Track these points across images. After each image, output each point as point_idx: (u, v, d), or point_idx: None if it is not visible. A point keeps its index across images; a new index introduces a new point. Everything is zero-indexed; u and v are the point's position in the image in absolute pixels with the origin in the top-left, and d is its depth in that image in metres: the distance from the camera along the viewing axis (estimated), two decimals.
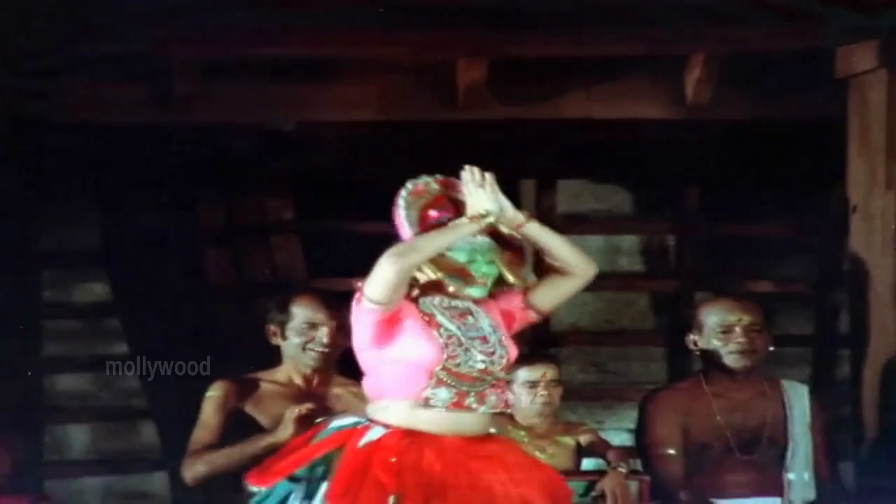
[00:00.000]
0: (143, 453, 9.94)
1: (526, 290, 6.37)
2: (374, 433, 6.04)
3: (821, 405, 7.08)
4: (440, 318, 6.22)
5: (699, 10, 7.58)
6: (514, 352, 6.25)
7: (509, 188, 6.29)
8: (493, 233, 6.26)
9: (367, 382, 6.15)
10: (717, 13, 7.66)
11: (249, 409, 7.07)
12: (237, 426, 7.00)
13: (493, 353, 6.23)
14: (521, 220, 6.19)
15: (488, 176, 6.18)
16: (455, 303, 6.27)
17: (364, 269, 6.88)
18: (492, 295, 6.29)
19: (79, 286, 10.16)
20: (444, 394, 6.13)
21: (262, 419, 7.08)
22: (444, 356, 6.10)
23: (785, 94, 8.25)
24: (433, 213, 6.23)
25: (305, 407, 6.84)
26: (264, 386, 7.15)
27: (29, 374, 9.94)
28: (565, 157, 9.19)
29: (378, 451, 6.03)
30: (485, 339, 6.25)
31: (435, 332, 6.17)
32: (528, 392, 7.31)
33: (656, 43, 7.89)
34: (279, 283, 9.40)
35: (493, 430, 6.30)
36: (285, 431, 6.83)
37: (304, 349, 7.12)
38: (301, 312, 7.17)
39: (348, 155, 9.40)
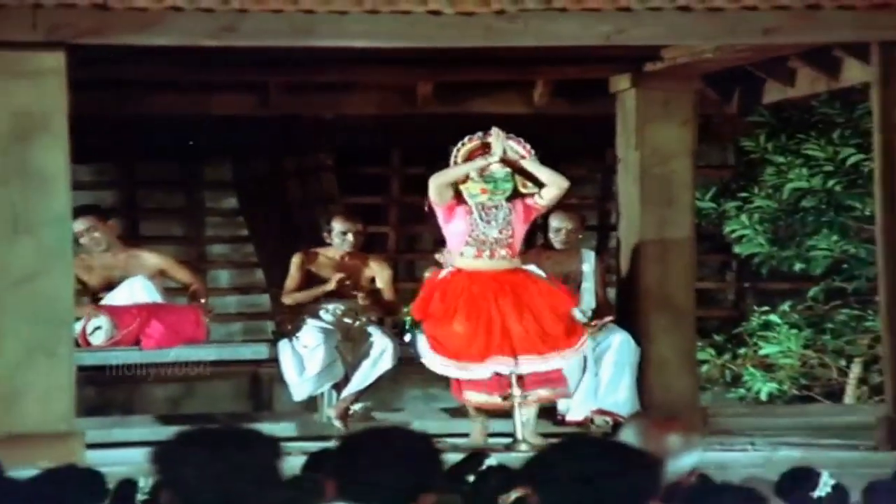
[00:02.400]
0: (257, 285, 11.43)
1: (533, 195, 8.23)
2: (445, 272, 8.33)
3: (601, 260, 9.29)
4: (475, 210, 8.19)
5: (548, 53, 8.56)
6: (520, 231, 8.18)
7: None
8: (513, 166, 8.24)
9: (448, 245, 8.38)
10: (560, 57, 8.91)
11: (314, 269, 8.87)
12: (307, 278, 8.84)
13: (502, 231, 8.21)
14: (519, 157, 8.24)
15: (500, 133, 8.20)
16: (490, 203, 8.21)
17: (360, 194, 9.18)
18: (520, 196, 8.24)
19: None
20: (469, 251, 8.25)
21: (320, 275, 8.86)
22: (470, 229, 8.16)
23: (594, 101, 9.55)
24: (478, 154, 8.21)
25: (339, 276, 8.68)
26: (321, 258, 8.85)
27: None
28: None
29: (442, 281, 8.26)
30: (500, 223, 8.14)
31: (468, 217, 8.19)
32: (555, 233, 8.87)
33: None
34: (325, 200, 10.93)
35: (524, 266, 8.26)
36: (330, 285, 8.69)
37: (341, 243, 8.82)
38: (337, 225, 8.82)
39: (361, 132, 10.78)
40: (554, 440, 4.33)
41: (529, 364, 8.03)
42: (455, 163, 8.24)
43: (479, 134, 8.29)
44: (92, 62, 7.72)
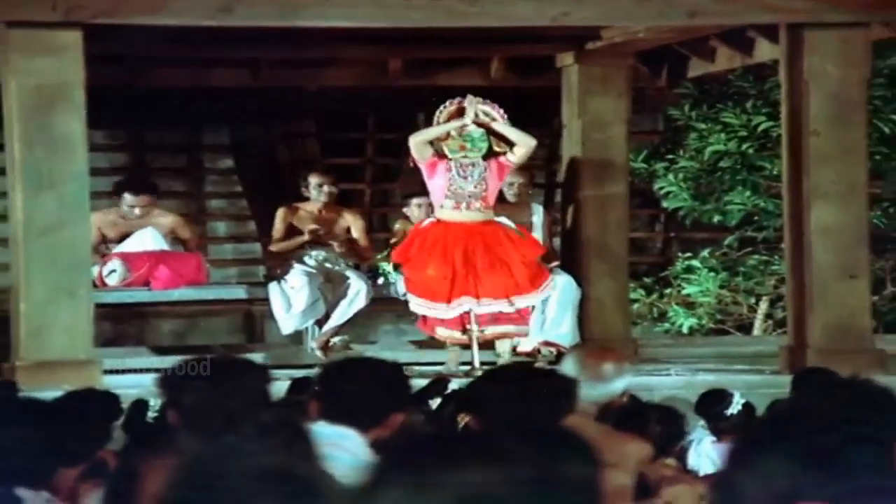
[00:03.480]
0: (250, 235, 11.34)
1: (506, 153, 8.14)
2: (427, 222, 8.24)
3: (548, 213, 9.28)
4: (453, 167, 8.09)
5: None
6: (494, 186, 8.11)
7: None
8: (486, 127, 8.13)
9: (431, 197, 8.28)
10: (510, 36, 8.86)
11: (295, 221, 8.85)
12: (290, 229, 8.84)
13: (476, 186, 8.13)
14: (490, 121, 8.16)
15: (474, 98, 8.14)
16: (467, 160, 8.11)
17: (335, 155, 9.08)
18: (494, 155, 8.12)
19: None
20: (448, 203, 8.14)
21: (300, 227, 8.82)
22: (448, 184, 8.07)
23: (542, 75, 9.35)
24: (454, 118, 8.07)
25: (312, 227, 8.64)
26: (301, 211, 8.85)
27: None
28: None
29: (422, 229, 8.21)
30: (475, 178, 8.08)
31: (448, 173, 8.09)
32: (508, 187, 8.77)
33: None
34: (309, 160, 10.88)
35: (496, 218, 8.13)
36: (304, 237, 8.63)
37: (318, 195, 8.79)
38: (313, 179, 8.86)
39: (340, 101, 10.70)
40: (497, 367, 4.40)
41: (491, 306, 8.00)
42: (437, 123, 8.19)
43: (458, 99, 8.24)
44: (106, 40, 7.72)
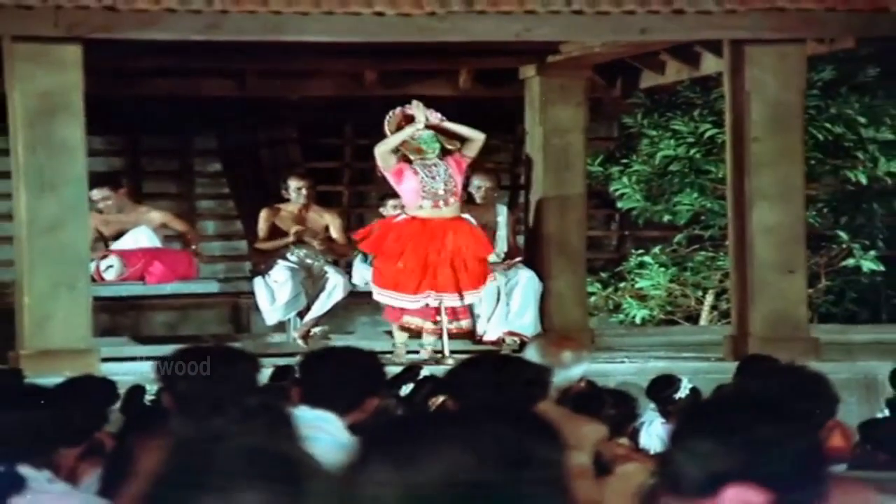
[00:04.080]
0: (237, 233, 11.20)
1: (460, 150, 8.10)
2: (401, 217, 8.18)
3: (512, 213, 9.30)
4: (420, 170, 8.04)
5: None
6: (459, 180, 8.05)
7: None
8: (436, 128, 8.09)
9: (402, 200, 8.23)
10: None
11: (277, 222, 8.85)
12: (273, 229, 8.84)
13: (447, 183, 8.06)
14: (439, 121, 8.10)
15: (419, 103, 8.11)
16: (427, 161, 8.08)
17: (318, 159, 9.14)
18: (450, 153, 8.07)
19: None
20: (427, 203, 8.07)
21: (282, 227, 8.82)
22: (421, 186, 8.00)
23: (507, 86, 9.55)
24: (403, 124, 8.08)
25: (297, 228, 8.62)
26: (283, 212, 8.85)
27: None
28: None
29: (396, 224, 8.14)
30: (443, 176, 8.03)
31: (417, 176, 8.04)
32: (476, 190, 8.84)
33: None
34: (291, 164, 10.80)
35: (464, 216, 8.09)
36: (289, 238, 8.64)
37: (297, 197, 8.78)
38: (292, 183, 8.88)
39: (320, 110, 10.64)
40: (469, 356, 4.45)
41: (450, 300, 8.01)
42: (389, 132, 8.14)
43: (399, 107, 8.20)
44: (103, 52, 7.72)
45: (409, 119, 8.15)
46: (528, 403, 3.56)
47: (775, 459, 1.90)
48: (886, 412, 5.57)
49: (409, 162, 8.08)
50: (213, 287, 9.23)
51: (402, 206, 8.34)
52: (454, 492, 1.67)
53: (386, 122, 8.20)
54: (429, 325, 8.05)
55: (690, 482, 1.89)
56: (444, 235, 8.05)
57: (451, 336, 8.13)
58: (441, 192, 8.05)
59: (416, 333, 8.21)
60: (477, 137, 8.17)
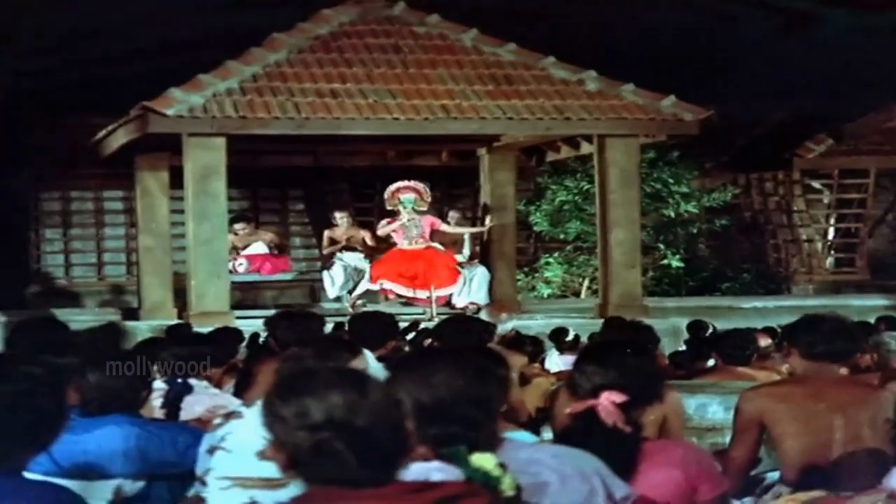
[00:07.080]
0: (312, 245, 10.66)
1: (443, 220, 8.15)
2: (397, 248, 8.02)
3: (472, 234, 8.84)
4: (406, 225, 8.03)
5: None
6: (427, 232, 7.84)
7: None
8: (435, 228, 8.01)
9: (394, 238, 8.04)
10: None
11: (333, 237, 8.37)
12: (331, 241, 8.40)
13: (422, 234, 8.02)
14: (443, 222, 8.03)
15: (408, 204, 7.86)
16: (411, 222, 8.03)
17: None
18: (423, 214, 8.01)
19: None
20: (405, 242, 8.05)
21: (335, 239, 8.42)
22: (404, 235, 7.99)
23: (471, 159, 9.13)
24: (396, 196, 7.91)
25: (345, 238, 8.21)
26: (335, 231, 8.40)
27: None
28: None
29: (390, 254, 8.06)
30: (417, 229, 8.03)
31: (403, 230, 8.04)
32: (451, 219, 8.66)
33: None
34: (344, 205, 9.80)
35: (432, 244, 7.87)
36: (339, 245, 8.31)
37: (341, 223, 8.40)
38: (336, 214, 8.38)
39: (361, 174, 10.10)
40: (448, 316, 4.52)
41: (437, 291, 7.88)
42: (385, 199, 8.01)
43: (394, 186, 8.04)
44: (238, 141, 7.67)
45: (398, 192, 7.94)
46: (483, 344, 3.60)
47: (630, 374, 2.01)
48: (683, 347, 5.72)
49: (397, 219, 8.03)
50: (298, 276, 9.21)
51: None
52: (447, 393, 1.72)
53: (386, 193, 8.12)
54: (410, 294, 7.85)
55: (583, 389, 2.01)
56: (419, 257, 7.97)
57: (437, 304, 8.15)
58: (413, 237, 7.95)
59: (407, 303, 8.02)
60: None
